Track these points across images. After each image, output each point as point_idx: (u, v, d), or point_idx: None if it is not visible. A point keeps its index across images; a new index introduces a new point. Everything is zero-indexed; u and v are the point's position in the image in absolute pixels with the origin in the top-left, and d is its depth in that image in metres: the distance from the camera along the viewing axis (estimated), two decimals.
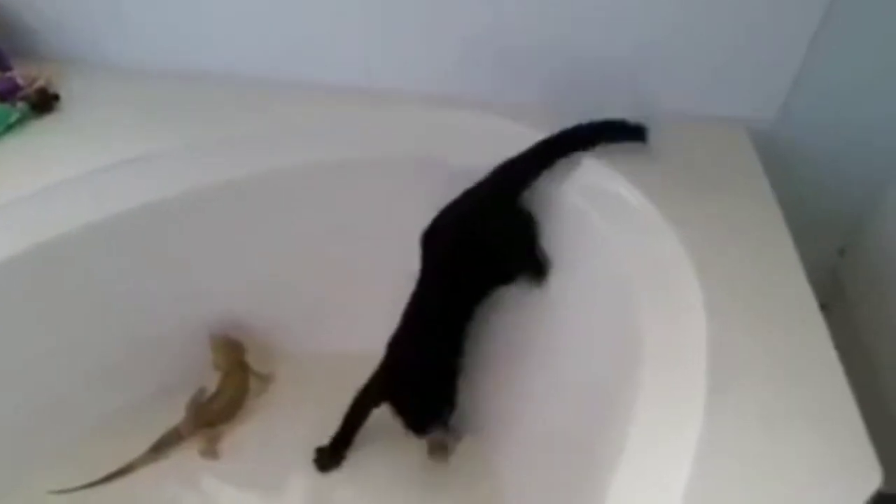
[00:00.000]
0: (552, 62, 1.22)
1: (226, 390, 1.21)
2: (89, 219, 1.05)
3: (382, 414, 1.04)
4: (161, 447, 1.15)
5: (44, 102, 1.26)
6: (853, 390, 0.75)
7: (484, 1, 1.18)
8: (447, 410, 1.03)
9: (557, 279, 1.06)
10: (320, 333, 1.29)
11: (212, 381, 1.23)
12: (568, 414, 1.02)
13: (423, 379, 1.01)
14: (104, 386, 1.17)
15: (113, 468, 1.12)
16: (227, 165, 1.14)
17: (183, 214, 1.13)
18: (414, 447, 1.11)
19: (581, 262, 1.03)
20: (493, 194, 1.04)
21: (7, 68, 1.29)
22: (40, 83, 1.28)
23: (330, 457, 1.13)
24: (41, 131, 1.23)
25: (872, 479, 0.66)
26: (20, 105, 1.23)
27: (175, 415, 1.18)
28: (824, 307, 0.86)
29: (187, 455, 1.16)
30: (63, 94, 1.29)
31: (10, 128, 1.21)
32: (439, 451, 1.12)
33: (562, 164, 1.08)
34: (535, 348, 1.11)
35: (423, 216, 1.04)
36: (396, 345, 1.01)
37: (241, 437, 1.20)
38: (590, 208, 1.03)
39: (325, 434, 1.12)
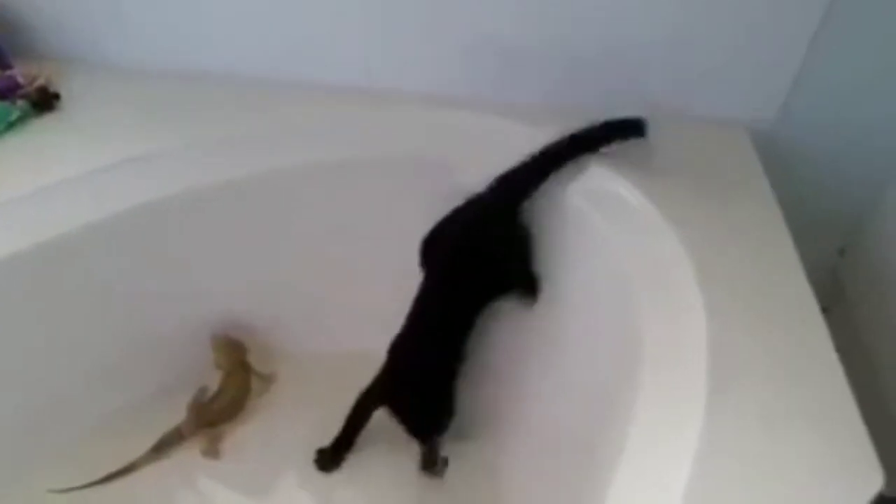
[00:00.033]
0: (552, 62, 1.22)
1: (227, 390, 1.21)
2: (89, 218, 1.04)
3: (384, 416, 1.05)
4: (163, 447, 1.15)
5: (44, 101, 1.26)
6: (854, 391, 0.74)
7: (484, 1, 1.18)
8: (446, 417, 1.03)
9: (558, 280, 1.07)
10: (321, 333, 1.29)
11: (213, 381, 1.23)
12: (568, 414, 1.02)
13: (424, 384, 1.01)
14: (104, 386, 1.17)
15: (113, 468, 1.12)
16: (228, 165, 1.14)
17: (183, 214, 1.13)
18: (415, 449, 1.11)
19: (582, 263, 1.04)
20: (494, 204, 1.03)
21: (7, 66, 1.29)
22: (41, 82, 1.28)
23: (331, 458, 1.13)
24: (41, 130, 1.23)
25: (874, 482, 0.66)
26: (20, 103, 1.23)
27: (175, 415, 1.18)
28: (824, 308, 0.86)
29: (189, 455, 1.16)
30: (63, 92, 1.29)
31: (10, 126, 1.21)
32: (432, 465, 1.11)
33: (573, 168, 1.08)
34: (536, 349, 1.11)
35: (423, 216, 1.04)
36: (398, 349, 1.01)
37: (242, 436, 1.20)
38: (590, 209, 1.03)
39: (326, 434, 1.13)
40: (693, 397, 0.74)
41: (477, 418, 1.14)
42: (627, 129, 1.08)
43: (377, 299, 1.09)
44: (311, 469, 1.13)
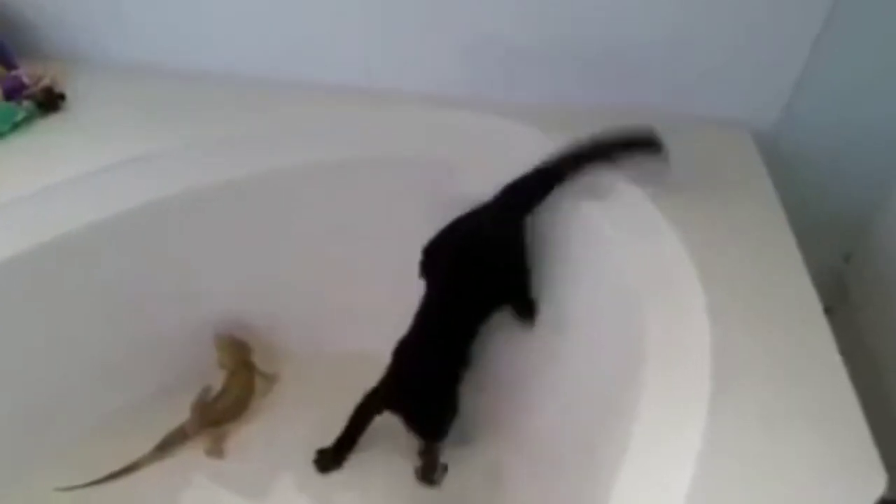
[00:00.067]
0: (553, 62, 1.22)
1: (231, 390, 1.21)
2: (91, 218, 1.05)
3: (386, 418, 1.05)
4: (166, 446, 1.16)
5: (50, 101, 1.26)
6: (858, 394, 0.74)
7: (484, 1, 1.17)
8: (451, 419, 1.03)
9: (561, 281, 1.06)
10: (325, 333, 1.30)
11: (216, 381, 1.23)
12: (571, 415, 1.02)
13: (429, 389, 1.01)
14: (105, 386, 1.18)
15: (115, 468, 1.12)
16: (229, 165, 1.15)
17: (185, 214, 1.13)
18: (416, 451, 1.11)
19: (584, 264, 1.03)
20: (499, 215, 1.03)
21: (13, 67, 1.29)
22: (46, 82, 1.28)
23: (332, 458, 1.13)
24: (47, 130, 1.23)
25: (877, 484, 0.66)
26: (26, 104, 1.24)
27: (177, 415, 1.18)
28: (828, 310, 0.85)
29: (192, 454, 1.16)
30: (69, 93, 1.30)
31: (15, 126, 1.22)
32: (431, 473, 1.11)
33: None
34: (540, 350, 1.11)
35: (424, 216, 1.04)
36: (403, 354, 1.00)
37: (246, 436, 1.21)
38: (592, 210, 1.02)
39: (329, 434, 1.12)
40: (696, 398, 0.75)
41: (479, 420, 1.14)
42: (641, 145, 1.04)
43: (380, 299, 1.09)
44: (314, 469, 1.13)
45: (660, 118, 1.08)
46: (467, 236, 1.03)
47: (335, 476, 1.13)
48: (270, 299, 1.27)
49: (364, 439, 1.12)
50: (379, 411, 1.07)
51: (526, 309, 1.09)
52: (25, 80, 1.27)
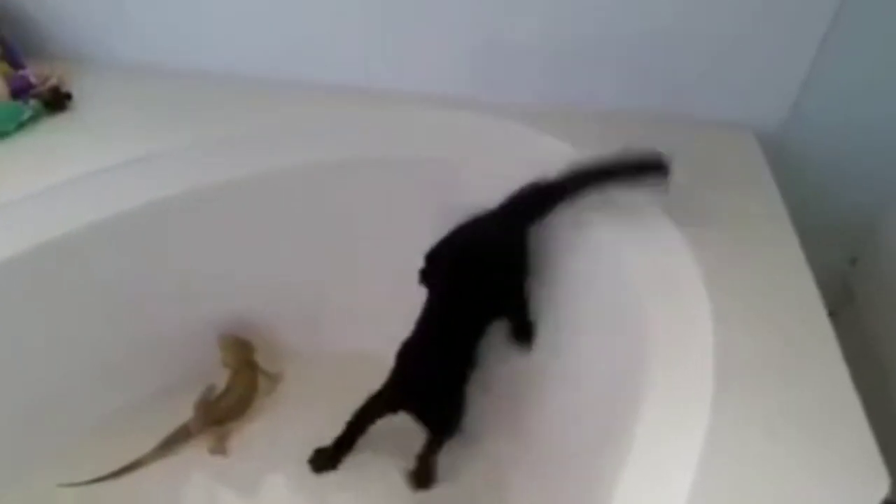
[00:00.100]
0: (554, 63, 1.22)
1: (235, 388, 1.22)
2: (91, 218, 1.05)
3: (386, 419, 1.05)
4: (170, 444, 1.16)
5: (56, 101, 1.27)
6: (862, 398, 0.74)
7: (484, 2, 1.18)
8: (460, 414, 1.03)
9: (565, 282, 1.06)
10: (327, 333, 1.30)
11: (220, 380, 1.23)
12: (575, 414, 1.02)
13: (437, 389, 1.01)
14: (105, 386, 1.18)
15: (116, 467, 1.13)
16: (231, 165, 1.15)
17: (186, 214, 1.13)
18: (418, 450, 1.11)
19: (588, 266, 1.03)
20: (502, 223, 1.02)
21: (20, 66, 1.30)
22: (53, 82, 1.29)
23: (329, 458, 1.13)
24: (53, 129, 1.24)
25: (880, 487, 0.66)
26: (33, 103, 1.25)
27: (176, 415, 1.18)
28: (833, 314, 0.85)
29: (196, 452, 1.17)
30: (75, 92, 1.30)
31: (22, 125, 1.22)
32: (425, 479, 1.11)
33: None
34: (543, 350, 1.11)
35: (425, 216, 1.03)
36: (407, 356, 1.00)
37: (249, 435, 1.21)
38: (596, 212, 1.02)
39: (331, 434, 1.13)
40: (699, 399, 0.74)
41: (483, 419, 1.14)
42: (649, 169, 1.00)
43: (382, 300, 1.09)
44: (310, 468, 1.14)
45: (663, 119, 1.09)
46: (470, 244, 1.02)
47: (336, 475, 1.13)
48: (272, 299, 1.27)
49: (366, 440, 1.12)
50: (380, 415, 1.07)
51: (523, 332, 1.10)
52: (32, 79, 1.28)
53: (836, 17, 1.06)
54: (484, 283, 1.00)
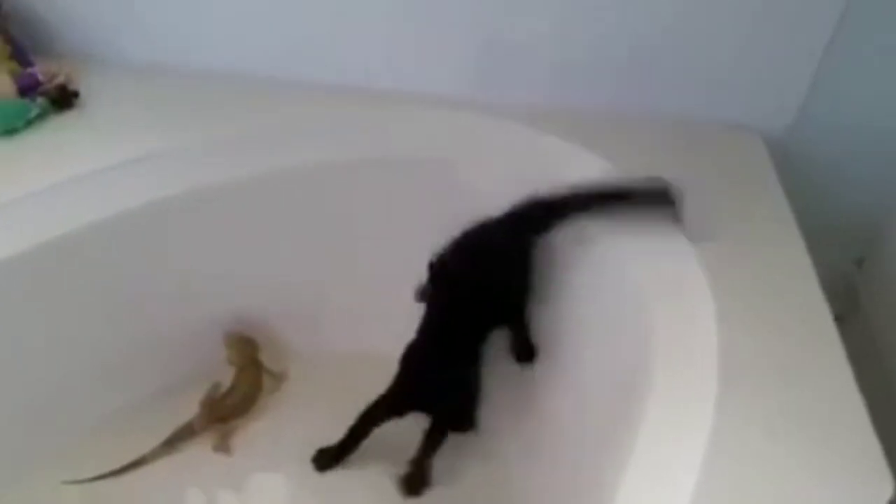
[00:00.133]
0: (558, 64, 1.22)
1: (240, 386, 1.22)
2: (95, 217, 1.05)
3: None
4: (174, 441, 1.16)
5: (63, 98, 1.27)
6: (868, 399, 0.74)
7: (484, 2, 1.18)
8: (474, 408, 1.03)
9: (570, 283, 1.06)
10: (331, 333, 1.31)
11: (225, 378, 1.23)
12: (579, 414, 1.02)
13: (445, 389, 1.01)
14: (112, 384, 1.18)
15: (117, 466, 1.13)
16: (235, 165, 1.15)
17: (188, 213, 1.13)
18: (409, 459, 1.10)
19: (592, 268, 1.03)
20: (508, 232, 1.01)
21: (28, 64, 1.31)
22: (60, 80, 1.29)
23: (333, 457, 1.13)
24: (60, 127, 1.24)
25: (884, 490, 0.66)
26: (40, 100, 1.25)
27: (178, 415, 1.19)
28: (839, 317, 0.85)
29: (200, 450, 1.17)
30: (83, 90, 1.30)
31: (29, 123, 1.23)
32: (415, 486, 1.11)
33: (575, 170, 1.07)
34: (548, 351, 1.11)
35: (425, 216, 1.03)
36: (412, 360, 1.00)
37: (253, 433, 1.21)
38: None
39: (334, 433, 1.12)
40: (703, 401, 0.74)
41: (486, 419, 1.14)
42: (655, 199, 0.99)
43: (383, 300, 1.09)
44: (313, 467, 1.14)
45: (668, 121, 1.08)
46: (473, 255, 1.01)
47: (339, 474, 1.13)
48: (274, 299, 1.28)
49: (372, 439, 1.12)
50: (385, 419, 1.07)
51: (525, 350, 1.10)
52: (40, 77, 1.28)
53: (843, 19, 1.06)
54: (486, 294, 0.99)
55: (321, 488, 1.12)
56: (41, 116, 1.24)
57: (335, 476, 1.13)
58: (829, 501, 0.66)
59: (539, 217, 1.01)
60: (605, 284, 1.01)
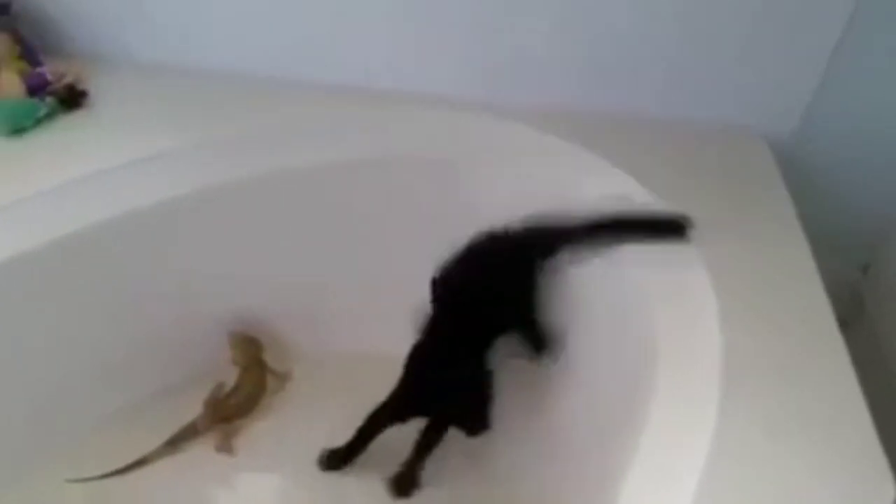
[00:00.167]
0: (561, 65, 1.23)
1: (243, 386, 1.22)
2: (99, 217, 1.05)
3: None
4: (177, 441, 1.17)
5: (72, 98, 1.29)
6: (873, 404, 0.74)
7: (484, 2, 1.18)
8: (486, 408, 1.03)
9: (573, 284, 1.06)
10: (335, 333, 1.30)
11: (228, 378, 1.24)
12: (582, 415, 1.02)
13: (451, 394, 1.01)
14: (106, 385, 1.18)
15: (120, 465, 1.13)
16: (240, 165, 1.15)
17: (191, 213, 1.14)
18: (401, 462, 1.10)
19: (597, 270, 1.03)
20: (514, 257, 1.00)
21: (38, 64, 1.32)
22: (68, 79, 1.30)
23: (342, 459, 1.13)
24: (69, 126, 1.25)
25: (886, 492, 0.66)
26: (49, 100, 1.26)
27: (180, 414, 1.19)
28: (844, 323, 0.85)
29: (203, 449, 1.18)
30: (92, 90, 1.32)
31: (38, 122, 1.24)
32: (404, 487, 1.10)
33: (579, 172, 1.07)
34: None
35: (426, 217, 1.03)
36: (417, 364, 0.99)
37: (256, 433, 1.21)
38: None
39: (338, 433, 1.13)
40: (706, 403, 0.74)
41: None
42: (668, 231, 0.97)
43: (386, 300, 1.09)
44: (319, 468, 1.13)
45: (673, 123, 1.08)
46: (479, 272, 0.99)
47: (342, 474, 1.13)
48: (279, 299, 1.28)
49: (380, 439, 1.12)
50: (390, 424, 1.06)
51: (540, 344, 1.08)
52: (49, 77, 1.29)
53: (851, 21, 1.06)
54: (490, 310, 0.98)
55: (324, 488, 1.12)
56: (50, 116, 1.25)
57: (337, 476, 1.13)
58: (831, 503, 0.66)
59: (546, 244, 1.00)
60: (610, 287, 1.01)
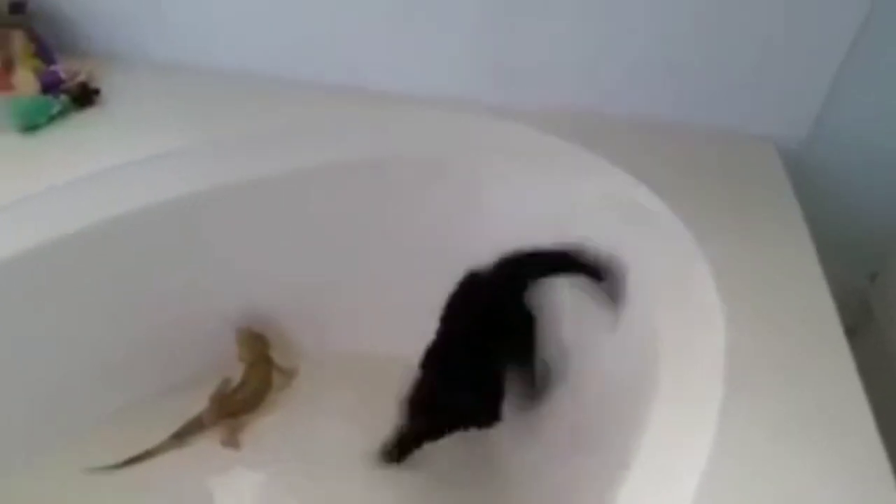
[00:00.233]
0: (565, 67, 1.23)
1: (250, 382, 1.23)
2: (112, 213, 1.06)
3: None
4: (183, 435, 1.17)
5: (85, 96, 1.30)
6: (879, 413, 0.74)
7: (485, 2, 1.18)
8: (495, 402, 1.03)
9: (575, 287, 1.06)
10: (340, 333, 1.30)
11: (235, 374, 1.24)
12: (583, 415, 1.02)
13: (463, 396, 1.00)
14: (106, 384, 1.18)
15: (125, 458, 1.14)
16: (246, 164, 1.16)
17: (203, 211, 1.14)
18: (431, 453, 1.11)
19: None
20: (502, 286, 0.97)
21: (52, 62, 1.33)
22: (81, 77, 1.31)
23: (398, 457, 1.11)
24: (81, 124, 1.26)
25: (889, 496, 0.66)
26: (62, 98, 1.27)
27: (182, 412, 1.19)
28: (852, 330, 0.84)
29: (208, 444, 1.18)
30: (105, 88, 1.33)
31: (51, 119, 1.25)
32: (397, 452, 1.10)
33: (583, 173, 1.06)
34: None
35: (427, 217, 1.02)
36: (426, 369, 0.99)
37: (262, 428, 1.22)
38: (613, 219, 1.02)
39: (343, 432, 1.13)
40: (708, 405, 0.74)
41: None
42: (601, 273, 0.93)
43: (391, 300, 1.09)
44: (329, 463, 1.14)
45: (681, 128, 1.08)
46: (474, 303, 0.97)
47: (348, 469, 1.13)
48: (285, 297, 1.28)
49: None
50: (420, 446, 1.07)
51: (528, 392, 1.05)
52: (62, 75, 1.30)
53: (863, 29, 1.05)
54: (491, 343, 0.97)
55: (328, 484, 1.13)
56: (63, 113, 1.27)
57: (342, 472, 1.13)
58: None
59: (527, 272, 0.96)
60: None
